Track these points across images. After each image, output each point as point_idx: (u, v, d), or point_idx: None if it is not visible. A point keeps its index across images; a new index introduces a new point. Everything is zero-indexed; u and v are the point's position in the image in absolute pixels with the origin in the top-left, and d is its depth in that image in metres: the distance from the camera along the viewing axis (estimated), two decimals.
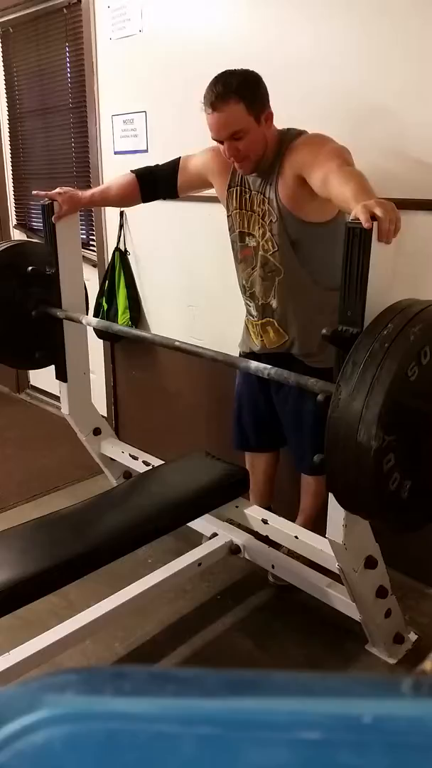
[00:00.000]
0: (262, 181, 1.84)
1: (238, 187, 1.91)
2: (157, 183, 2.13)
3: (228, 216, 1.97)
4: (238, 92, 1.69)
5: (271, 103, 1.77)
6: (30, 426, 3.62)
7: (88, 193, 2.23)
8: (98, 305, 2.92)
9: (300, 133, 1.81)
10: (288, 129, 1.83)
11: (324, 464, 1.34)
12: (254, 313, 2.00)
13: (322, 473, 2.04)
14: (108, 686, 0.29)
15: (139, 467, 2.42)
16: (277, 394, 2.09)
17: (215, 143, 1.82)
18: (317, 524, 2.05)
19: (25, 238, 3.53)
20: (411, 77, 1.84)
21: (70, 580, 1.68)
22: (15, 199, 3.78)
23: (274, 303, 1.92)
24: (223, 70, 1.73)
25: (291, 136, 1.80)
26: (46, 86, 3.27)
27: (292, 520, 2.12)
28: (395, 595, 1.82)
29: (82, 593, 1.98)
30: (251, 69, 1.74)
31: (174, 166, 2.08)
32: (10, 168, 3.73)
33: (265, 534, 2.05)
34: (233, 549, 2.11)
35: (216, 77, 1.72)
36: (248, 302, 2.02)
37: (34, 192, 2.20)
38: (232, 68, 1.73)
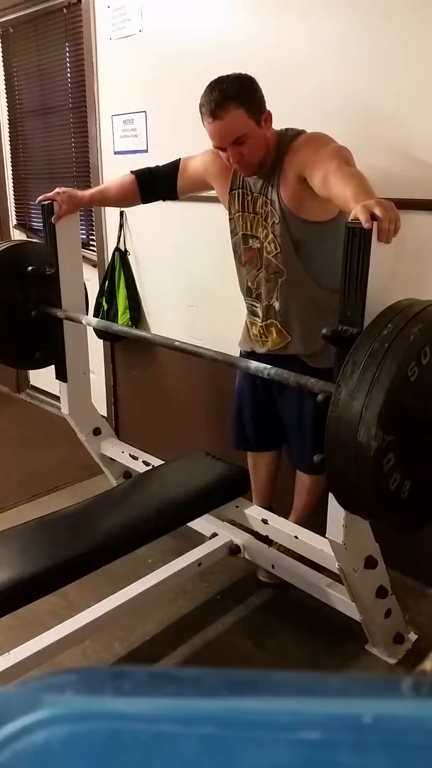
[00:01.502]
0: (264, 183, 1.83)
1: (240, 190, 1.90)
2: (157, 184, 2.12)
3: (230, 219, 1.96)
4: (236, 97, 1.67)
5: (270, 102, 1.76)
6: (30, 426, 3.62)
7: (88, 192, 2.22)
8: (98, 305, 2.92)
9: (299, 133, 1.79)
10: (286, 129, 1.82)
11: (323, 464, 1.34)
12: (259, 314, 1.98)
13: (321, 472, 2.05)
14: (108, 686, 0.29)
15: (139, 467, 2.42)
16: (280, 394, 2.08)
17: None
18: (313, 523, 2.05)
19: (25, 238, 3.53)
20: (412, 77, 1.84)
21: (70, 580, 1.68)
22: (15, 199, 3.78)
23: (276, 304, 1.92)
24: (216, 77, 1.71)
25: (290, 137, 1.79)
26: (46, 86, 3.27)
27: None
28: (395, 595, 1.83)
29: (82, 593, 1.98)
30: (243, 72, 1.73)
31: (174, 167, 2.07)
32: (10, 168, 3.73)
33: (265, 534, 2.05)
34: (233, 549, 2.11)
35: (210, 85, 1.70)
36: (254, 304, 1.99)
37: (37, 200, 2.20)
38: (224, 74, 1.71)
